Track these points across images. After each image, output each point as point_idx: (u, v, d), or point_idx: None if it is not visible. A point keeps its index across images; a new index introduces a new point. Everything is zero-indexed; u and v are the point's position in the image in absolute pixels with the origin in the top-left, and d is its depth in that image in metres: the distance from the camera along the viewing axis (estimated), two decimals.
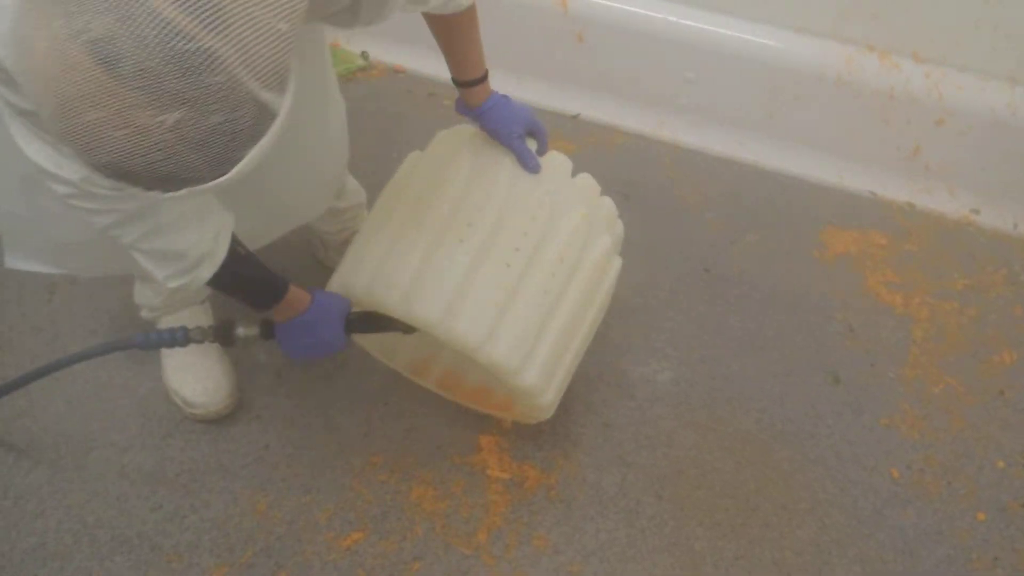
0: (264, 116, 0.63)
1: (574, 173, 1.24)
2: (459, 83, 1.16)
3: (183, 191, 0.65)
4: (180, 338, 1.11)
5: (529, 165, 1.18)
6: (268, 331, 1.14)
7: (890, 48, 1.71)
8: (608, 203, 1.24)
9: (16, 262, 1.18)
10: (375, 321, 1.16)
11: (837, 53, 1.72)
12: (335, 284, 1.16)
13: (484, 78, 1.15)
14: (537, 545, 1.24)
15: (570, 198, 1.19)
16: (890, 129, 1.76)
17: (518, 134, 1.17)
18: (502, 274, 1.11)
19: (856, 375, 1.49)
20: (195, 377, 1.31)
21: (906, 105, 1.72)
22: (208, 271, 0.98)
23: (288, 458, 1.29)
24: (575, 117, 1.95)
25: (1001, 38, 1.62)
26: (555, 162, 1.22)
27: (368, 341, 1.33)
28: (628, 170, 1.85)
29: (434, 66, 1.97)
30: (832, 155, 1.84)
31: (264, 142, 0.66)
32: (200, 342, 1.12)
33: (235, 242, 1.01)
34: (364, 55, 2.03)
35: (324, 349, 1.14)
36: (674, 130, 1.90)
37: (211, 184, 0.65)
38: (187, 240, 0.94)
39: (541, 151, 1.22)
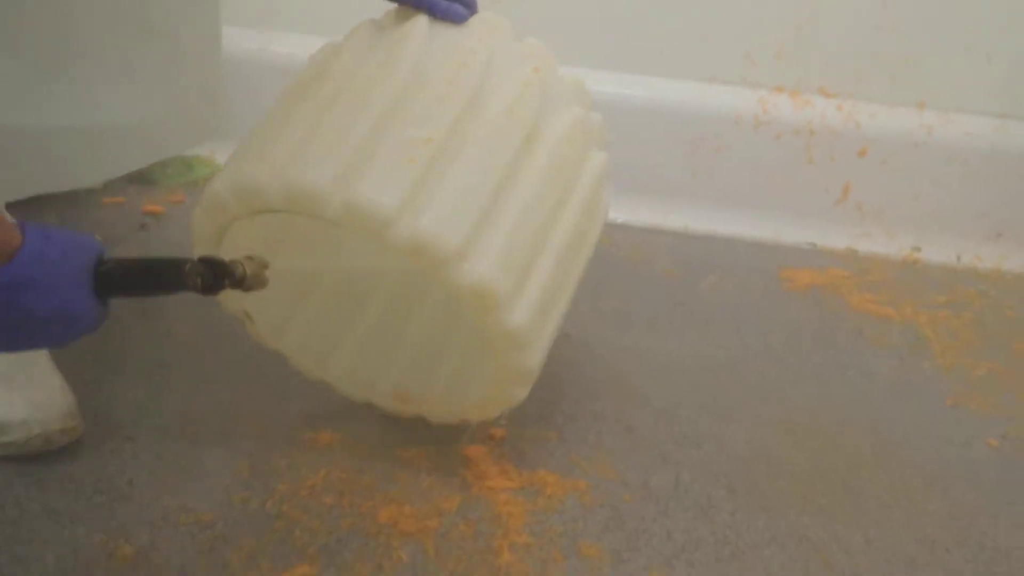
0: None
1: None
2: None
3: None
4: None
5: (438, 9, 0.84)
6: None
7: (799, 87, 1.70)
8: (572, 77, 0.93)
9: None
10: (152, 270, 0.68)
11: (749, 97, 1.69)
12: (206, 194, 0.78)
13: None
14: (590, 555, 0.79)
15: (514, 56, 0.86)
16: (816, 169, 1.70)
17: None
18: (415, 134, 0.74)
19: (892, 369, 1.23)
20: (8, 387, 0.82)
21: (827, 139, 1.67)
22: None
23: (170, 491, 0.80)
24: None
25: (901, 66, 1.66)
26: (488, 21, 0.89)
27: (289, 340, 0.93)
28: None
29: None
30: (762, 209, 1.72)
31: None
32: None
33: None
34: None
35: (55, 326, 0.63)
36: None
37: None
38: None
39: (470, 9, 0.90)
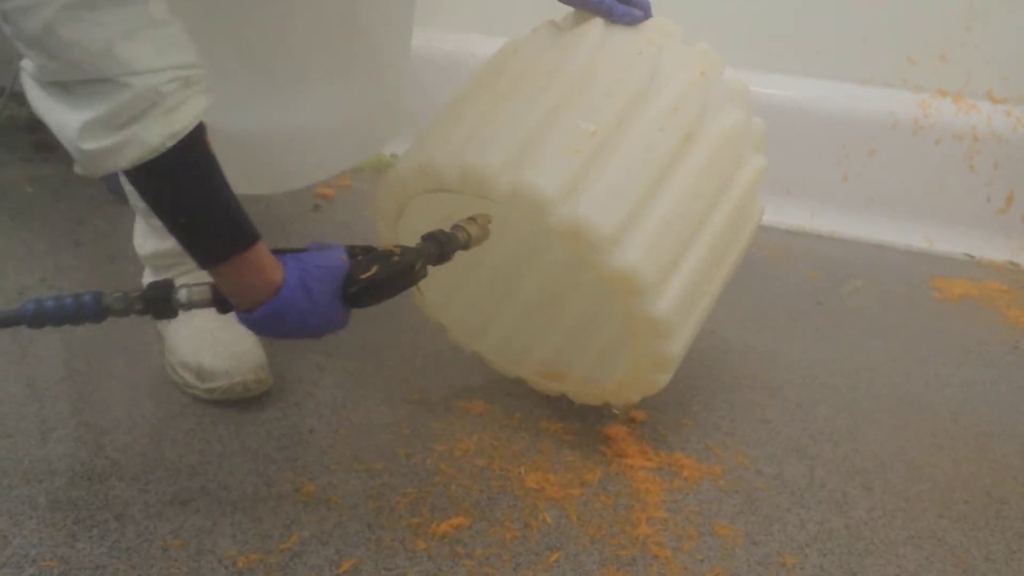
0: None
1: None
2: None
3: None
4: (91, 309, 0.72)
5: (616, 12, 0.90)
6: (225, 299, 0.76)
7: (964, 91, 1.64)
8: (737, 82, 0.95)
9: None
10: (391, 280, 0.77)
11: (908, 100, 1.65)
12: (390, 173, 0.88)
13: None
14: (724, 535, 0.83)
15: (682, 59, 0.90)
16: (978, 177, 1.63)
17: None
18: (582, 127, 0.81)
19: None
20: (215, 341, 0.95)
21: (992, 145, 1.61)
22: (158, 130, 0.63)
23: (344, 441, 0.90)
24: None
25: None
26: (659, 25, 0.94)
27: (451, 313, 1.02)
28: None
29: None
30: (915, 216, 1.67)
31: None
32: (123, 314, 0.73)
33: (203, 128, 0.68)
34: (393, 156, 1.89)
35: (313, 333, 0.77)
36: None
37: None
38: (137, 51, 0.61)
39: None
